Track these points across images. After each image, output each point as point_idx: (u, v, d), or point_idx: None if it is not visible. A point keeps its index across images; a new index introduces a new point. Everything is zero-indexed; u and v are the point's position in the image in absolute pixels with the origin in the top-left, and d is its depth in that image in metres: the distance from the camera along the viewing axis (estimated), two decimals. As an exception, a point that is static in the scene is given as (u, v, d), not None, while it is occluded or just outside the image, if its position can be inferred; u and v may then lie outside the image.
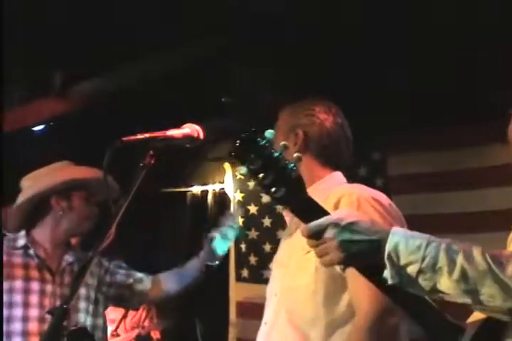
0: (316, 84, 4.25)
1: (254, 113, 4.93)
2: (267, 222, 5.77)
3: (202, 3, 3.75)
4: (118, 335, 5.11)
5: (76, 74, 4.86)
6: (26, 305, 2.70)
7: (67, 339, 1.98)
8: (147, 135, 2.19)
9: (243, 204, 5.95)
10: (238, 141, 1.47)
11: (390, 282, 1.50)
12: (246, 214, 5.91)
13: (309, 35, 4.04)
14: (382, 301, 1.99)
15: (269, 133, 1.51)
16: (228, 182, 6.06)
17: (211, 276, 3.35)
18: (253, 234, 5.83)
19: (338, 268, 2.13)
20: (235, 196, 5.99)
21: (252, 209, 5.90)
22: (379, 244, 1.51)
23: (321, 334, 2.14)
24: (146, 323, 5.25)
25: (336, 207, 2.13)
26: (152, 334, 5.30)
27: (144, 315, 5.24)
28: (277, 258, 2.47)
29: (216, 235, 3.15)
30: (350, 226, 1.51)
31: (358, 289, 2.09)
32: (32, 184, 2.94)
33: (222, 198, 6.21)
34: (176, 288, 3.15)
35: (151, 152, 2.19)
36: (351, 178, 2.48)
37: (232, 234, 3.19)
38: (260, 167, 1.46)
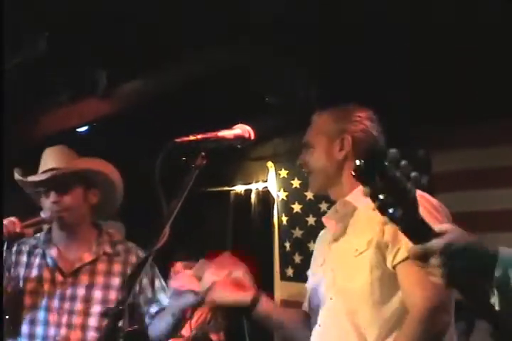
0: (355, 85, 4.27)
1: (297, 112, 4.93)
2: (311, 220, 5.75)
3: (245, 3, 3.78)
4: (182, 336, 4.88)
5: (121, 75, 4.89)
6: (34, 307, 2.71)
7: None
8: (199, 136, 2.14)
9: (287, 202, 5.95)
10: (363, 162, 1.42)
11: (497, 307, 1.48)
12: (290, 213, 5.92)
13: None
14: (436, 299, 2.02)
15: (393, 153, 1.48)
16: (271, 181, 6.08)
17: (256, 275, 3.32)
18: (297, 232, 5.83)
19: (389, 266, 2.14)
20: (278, 195, 6.00)
21: (296, 207, 5.88)
22: (486, 269, 1.49)
23: (378, 335, 2.15)
24: (211, 324, 5.14)
25: None
26: (212, 336, 5.15)
27: (209, 316, 5.11)
28: (319, 262, 2.47)
29: None
30: (457, 254, 1.47)
31: (411, 287, 2.10)
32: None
33: (265, 197, 6.22)
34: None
35: (203, 153, 2.17)
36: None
37: None
38: (383, 188, 1.42)
